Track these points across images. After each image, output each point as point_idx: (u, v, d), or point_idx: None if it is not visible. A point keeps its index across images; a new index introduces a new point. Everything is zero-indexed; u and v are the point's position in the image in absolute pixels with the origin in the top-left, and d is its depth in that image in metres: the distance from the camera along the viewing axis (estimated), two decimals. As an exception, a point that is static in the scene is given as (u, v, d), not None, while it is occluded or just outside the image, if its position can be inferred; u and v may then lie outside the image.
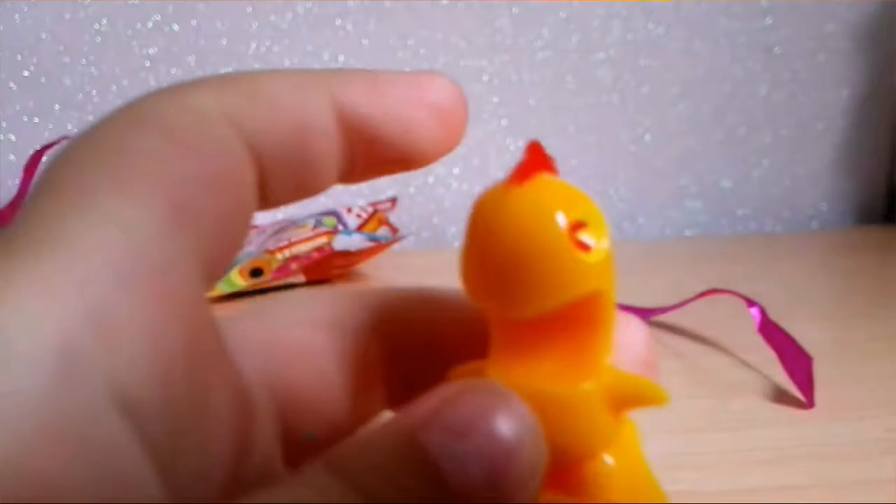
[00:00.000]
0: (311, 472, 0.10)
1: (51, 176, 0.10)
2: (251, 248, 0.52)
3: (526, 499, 0.11)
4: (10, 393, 0.08)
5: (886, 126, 0.73)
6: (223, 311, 0.12)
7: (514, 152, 0.68)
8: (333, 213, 0.57)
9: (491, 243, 0.12)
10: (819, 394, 0.34)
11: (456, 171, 0.67)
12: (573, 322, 0.12)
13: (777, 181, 0.73)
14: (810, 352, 0.36)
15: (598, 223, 0.12)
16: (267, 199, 0.12)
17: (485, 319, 0.13)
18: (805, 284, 0.55)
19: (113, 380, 0.09)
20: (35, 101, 0.61)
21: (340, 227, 0.55)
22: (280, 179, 0.12)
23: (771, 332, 0.38)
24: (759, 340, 0.38)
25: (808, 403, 0.34)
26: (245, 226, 0.12)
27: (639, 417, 0.34)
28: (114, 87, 0.62)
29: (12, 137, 0.61)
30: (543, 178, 0.12)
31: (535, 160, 0.12)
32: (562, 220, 0.12)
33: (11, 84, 0.60)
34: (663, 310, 0.45)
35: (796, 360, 0.36)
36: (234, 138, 0.11)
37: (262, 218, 0.64)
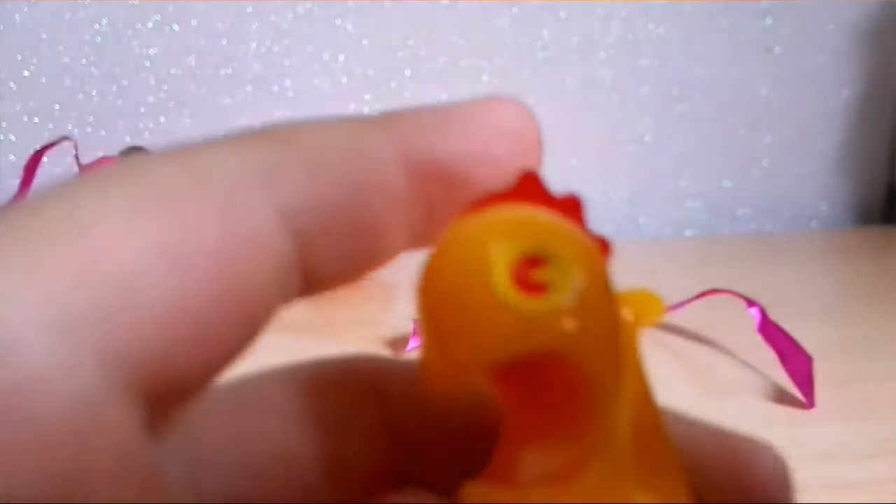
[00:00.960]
0: None
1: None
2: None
3: None
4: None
5: (886, 126, 0.73)
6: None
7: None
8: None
9: (430, 292, 0.10)
10: (819, 394, 0.34)
11: (456, 171, 0.67)
12: (550, 378, 0.10)
13: (777, 181, 0.73)
14: (810, 352, 0.36)
15: (572, 263, 0.09)
16: (311, 285, 0.10)
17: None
18: (805, 284, 0.55)
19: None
20: (35, 101, 0.61)
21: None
22: (329, 257, 0.09)
23: (771, 332, 0.38)
24: (759, 340, 0.38)
25: (809, 403, 0.34)
26: (254, 324, 0.09)
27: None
28: (114, 87, 0.62)
29: (12, 137, 0.61)
30: (498, 208, 0.10)
31: (526, 182, 0.10)
32: (505, 256, 0.09)
33: (11, 84, 0.60)
34: (663, 310, 0.45)
35: (796, 360, 0.36)
36: (256, 202, 0.09)
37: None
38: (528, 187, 0.10)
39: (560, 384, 0.09)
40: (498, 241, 0.09)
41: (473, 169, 0.10)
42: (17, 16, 0.60)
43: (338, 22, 0.64)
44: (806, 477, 0.28)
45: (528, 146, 0.11)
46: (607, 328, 0.10)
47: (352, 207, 0.09)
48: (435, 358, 0.09)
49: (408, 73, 0.66)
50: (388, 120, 0.10)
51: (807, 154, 0.73)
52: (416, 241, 0.11)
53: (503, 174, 0.10)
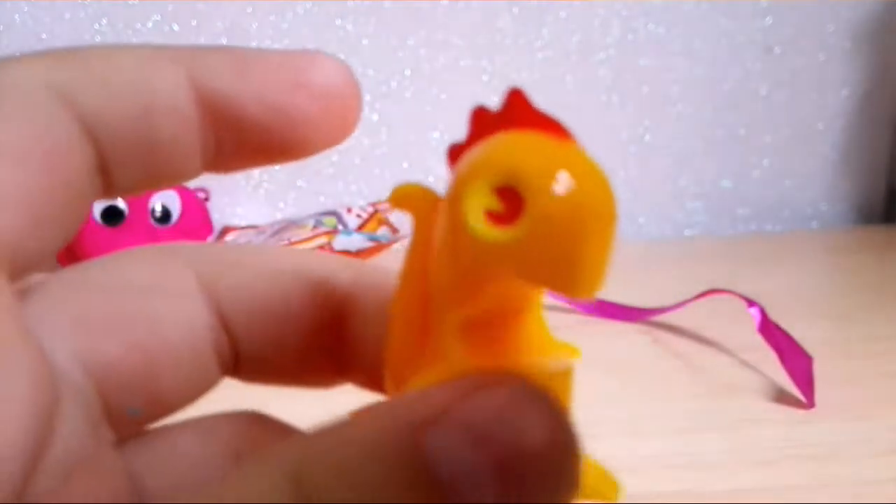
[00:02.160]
0: (257, 472, 0.08)
1: None
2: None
3: None
4: None
5: (886, 126, 0.73)
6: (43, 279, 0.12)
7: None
8: (333, 213, 0.57)
9: (558, 209, 0.10)
10: (819, 394, 0.34)
11: (456, 171, 0.67)
12: (499, 297, 0.11)
13: (777, 181, 0.73)
14: (810, 352, 0.36)
15: (535, 193, 0.09)
16: (112, 186, 0.11)
17: (430, 304, 0.11)
18: (805, 284, 0.56)
19: None
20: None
21: (340, 227, 0.55)
22: (125, 165, 0.11)
23: (771, 331, 0.38)
24: (759, 340, 0.38)
25: (809, 403, 0.34)
26: (76, 212, 0.10)
27: (638, 418, 0.34)
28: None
29: None
30: (490, 140, 0.10)
31: (508, 109, 0.10)
32: (483, 190, 0.10)
33: (11, 84, 0.61)
34: (663, 310, 0.45)
35: (796, 360, 0.36)
36: (62, 114, 0.10)
37: (262, 218, 0.64)
38: (515, 105, 0.11)
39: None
40: (473, 180, 0.10)
41: (263, 112, 0.11)
42: (16, 16, 0.60)
43: (338, 22, 0.64)
44: (806, 477, 0.28)
45: (334, 102, 0.11)
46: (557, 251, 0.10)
47: (140, 124, 0.10)
48: (546, 276, 0.10)
49: (408, 73, 0.66)
50: (187, 53, 0.11)
51: (807, 154, 0.73)
52: (211, 166, 0.11)
53: (308, 126, 0.11)
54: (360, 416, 0.09)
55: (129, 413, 0.12)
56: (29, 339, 0.10)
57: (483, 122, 0.11)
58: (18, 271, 0.10)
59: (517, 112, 0.11)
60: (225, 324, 0.13)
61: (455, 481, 0.08)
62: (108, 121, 0.10)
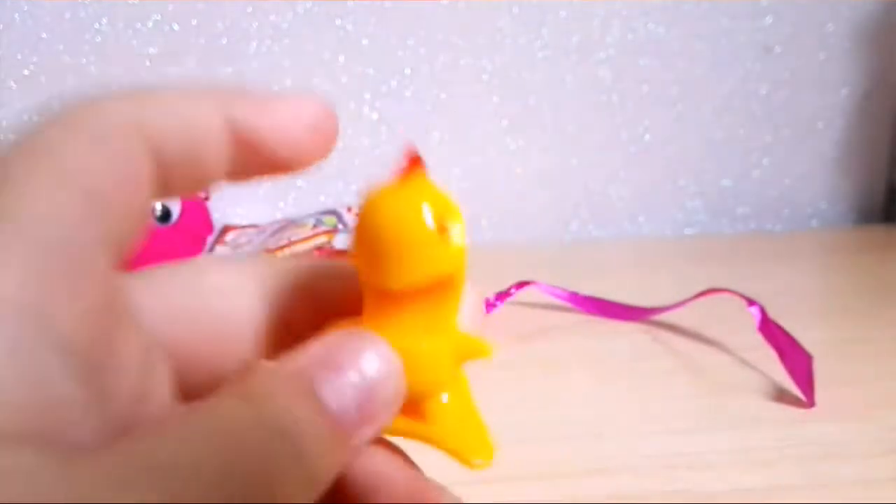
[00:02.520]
0: (221, 399, 0.13)
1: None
2: (251, 247, 0.52)
3: (385, 422, 0.15)
4: None
5: (886, 126, 0.73)
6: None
7: (515, 152, 0.68)
8: (333, 213, 0.57)
9: (376, 229, 0.15)
10: (819, 394, 0.34)
11: (456, 171, 0.67)
12: (432, 294, 0.15)
13: (777, 181, 0.73)
14: (810, 351, 0.36)
15: (459, 220, 0.15)
16: (166, 189, 0.15)
17: (362, 288, 0.16)
18: (805, 284, 0.56)
19: (50, 328, 0.12)
20: (35, 101, 0.61)
21: (340, 227, 0.55)
22: (175, 174, 0.15)
23: (771, 331, 0.38)
24: (759, 340, 0.38)
25: (809, 403, 0.34)
26: (144, 210, 0.14)
27: (638, 418, 0.34)
28: (114, 87, 0.62)
29: (12, 137, 0.61)
30: (418, 179, 0.15)
31: (413, 163, 0.15)
32: (429, 213, 0.15)
33: (11, 84, 0.61)
34: (663, 309, 0.45)
35: (796, 360, 0.36)
36: (136, 141, 0.14)
37: (262, 217, 0.64)
38: (414, 158, 0.15)
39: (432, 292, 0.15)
40: (434, 203, 0.15)
41: (273, 139, 0.15)
42: (16, 15, 0.60)
43: (338, 22, 0.64)
44: (806, 477, 0.28)
45: (319, 133, 0.16)
46: (462, 264, 0.15)
47: (190, 147, 0.15)
48: (376, 272, 0.15)
49: (408, 72, 0.66)
50: (224, 94, 0.15)
51: (807, 154, 0.73)
52: (229, 177, 0.16)
53: (300, 148, 0.16)
54: (283, 361, 0.14)
55: (193, 390, 0.16)
56: (132, 317, 0.14)
57: (415, 158, 0.15)
58: (119, 256, 0.14)
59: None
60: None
61: (329, 396, 0.14)
62: (168, 144, 0.14)
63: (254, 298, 0.17)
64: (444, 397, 0.16)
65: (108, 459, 0.11)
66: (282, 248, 0.51)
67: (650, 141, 0.70)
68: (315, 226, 0.54)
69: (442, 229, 0.15)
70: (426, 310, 0.16)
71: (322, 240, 0.52)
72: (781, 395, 0.35)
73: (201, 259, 0.17)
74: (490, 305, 0.45)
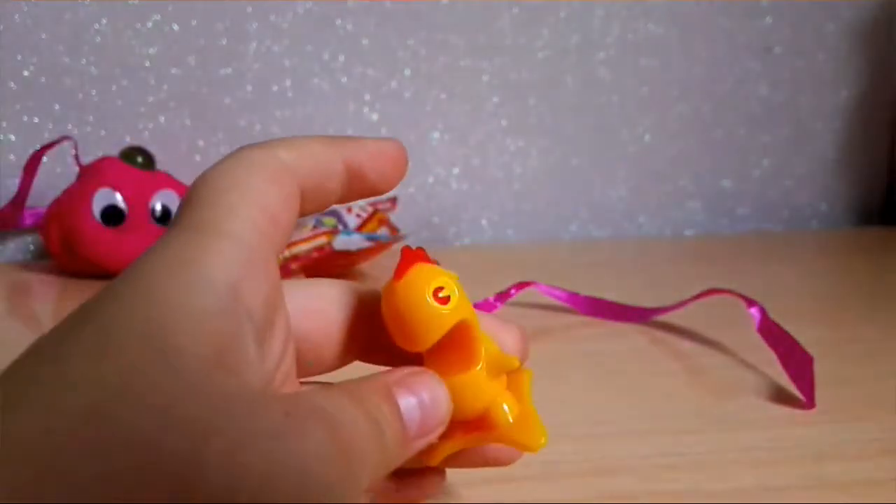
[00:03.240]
0: (336, 397, 0.17)
1: (196, 196, 0.19)
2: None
3: (432, 439, 0.19)
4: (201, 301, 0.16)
5: (885, 126, 0.73)
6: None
7: (514, 152, 0.68)
8: (333, 213, 0.57)
9: (392, 314, 0.20)
10: (819, 394, 0.34)
11: (456, 171, 0.67)
12: (458, 337, 0.20)
13: (777, 181, 0.73)
14: (810, 352, 0.36)
15: (451, 284, 0.20)
16: (301, 212, 0.21)
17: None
18: (805, 285, 0.56)
19: (242, 300, 0.17)
20: (35, 101, 0.61)
21: (340, 227, 0.55)
22: (309, 198, 0.21)
23: (771, 331, 0.38)
24: (759, 340, 0.38)
25: (809, 403, 0.34)
26: (293, 225, 0.20)
27: (638, 418, 0.34)
28: (114, 87, 0.62)
29: (12, 137, 0.61)
30: (415, 268, 0.20)
31: (408, 259, 0.20)
32: (428, 291, 0.20)
33: (11, 84, 0.61)
34: (663, 310, 0.45)
35: (796, 360, 0.36)
36: (292, 177, 0.20)
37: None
38: (409, 255, 0.20)
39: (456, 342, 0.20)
40: (428, 283, 0.20)
41: (371, 173, 0.22)
42: (16, 16, 0.60)
43: (338, 22, 0.64)
44: (806, 477, 0.28)
45: (399, 167, 0.22)
46: (469, 310, 0.20)
47: (321, 180, 0.21)
48: (404, 342, 0.20)
49: (408, 73, 0.66)
50: (345, 142, 0.21)
51: (807, 154, 0.73)
52: (342, 199, 0.22)
53: (385, 174, 0.22)
54: (375, 378, 0.19)
55: (308, 364, 0.22)
56: (284, 304, 0.20)
57: (410, 254, 0.20)
58: (279, 258, 0.20)
59: (421, 255, 0.21)
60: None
61: (406, 408, 0.19)
62: (309, 179, 0.20)
63: (341, 308, 0.22)
64: (505, 407, 0.21)
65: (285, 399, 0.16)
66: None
67: (650, 141, 0.70)
68: (315, 226, 0.54)
69: (443, 300, 0.20)
70: (461, 349, 0.21)
71: (322, 241, 0.52)
72: (781, 396, 0.35)
73: (315, 280, 0.23)
74: (490, 306, 0.45)
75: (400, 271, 0.20)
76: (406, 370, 0.20)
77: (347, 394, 0.17)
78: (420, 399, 0.19)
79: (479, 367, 0.20)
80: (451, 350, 0.20)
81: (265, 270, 0.18)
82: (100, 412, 0.14)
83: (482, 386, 0.20)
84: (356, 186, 0.22)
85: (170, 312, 0.16)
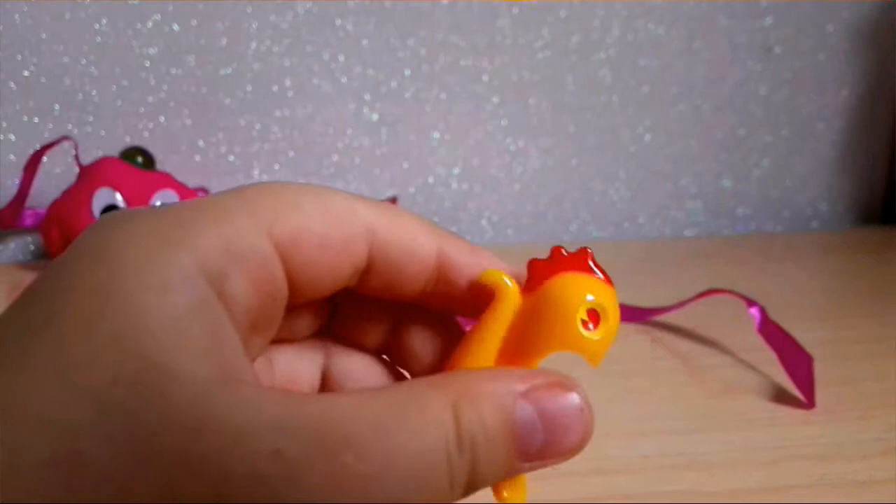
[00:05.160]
0: (437, 408, 0.16)
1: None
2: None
3: (550, 465, 0.17)
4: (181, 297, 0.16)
5: (886, 126, 0.73)
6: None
7: (514, 152, 0.68)
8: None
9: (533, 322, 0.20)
10: (819, 394, 0.34)
11: (456, 171, 0.67)
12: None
13: (777, 181, 0.73)
14: (810, 352, 0.36)
15: (606, 308, 0.19)
16: (360, 287, 0.20)
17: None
18: (805, 284, 0.56)
19: (224, 292, 0.17)
20: (35, 101, 0.61)
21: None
22: (376, 271, 0.20)
23: (771, 332, 0.38)
24: (759, 340, 0.38)
25: (809, 403, 0.34)
26: (353, 268, 0.20)
27: (638, 418, 0.34)
28: (114, 87, 0.62)
29: (12, 137, 0.61)
30: (581, 274, 0.19)
31: (549, 267, 0.19)
32: (580, 303, 0.19)
33: (11, 84, 0.60)
34: (663, 310, 0.45)
35: (796, 360, 0.36)
36: (358, 227, 0.20)
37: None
38: (582, 255, 0.19)
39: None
40: (580, 297, 0.19)
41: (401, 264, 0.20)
42: (16, 16, 0.60)
43: (338, 22, 0.64)
44: (806, 477, 0.28)
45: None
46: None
47: (402, 257, 0.20)
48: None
49: (408, 73, 0.66)
50: (364, 201, 0.20)
51: (807, 154, 0.73)
52: (420, 298, 0.20)
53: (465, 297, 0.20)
54: (485, 373, 0.18)
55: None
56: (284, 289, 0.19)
57: (560, 258, 0.19)
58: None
59: (580, 260, 0.19)
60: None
61: (522, 434, 0.17)
62: (385, 250, 0.20)
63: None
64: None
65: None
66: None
67: (650, 141, 0.70)
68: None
69: (594, 320, 0.19)
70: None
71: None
72: (781, 396, 0.35)
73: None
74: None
75: (537, 279, 0.19)
76: (542, 371, 0.19)
77: (447, 405, 0.16)
78: (565, 410, 0.18)
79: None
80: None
81: (253, 261, 0.17)
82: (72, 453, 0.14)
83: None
84: (442, 292, 0.20)
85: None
